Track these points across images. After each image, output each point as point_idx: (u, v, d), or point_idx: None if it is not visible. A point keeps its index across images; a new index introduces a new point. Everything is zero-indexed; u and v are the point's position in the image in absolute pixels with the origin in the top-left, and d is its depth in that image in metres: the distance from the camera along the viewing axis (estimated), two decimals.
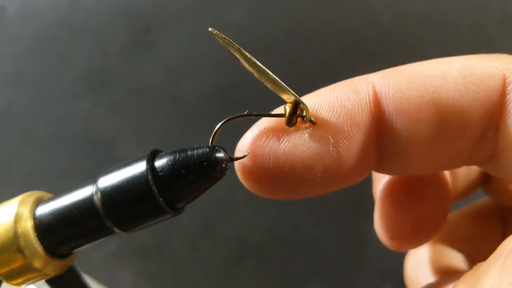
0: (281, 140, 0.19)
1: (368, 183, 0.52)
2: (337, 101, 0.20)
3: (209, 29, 0.19)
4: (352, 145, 0.19)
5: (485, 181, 0.28)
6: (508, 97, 0.19)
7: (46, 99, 0.62)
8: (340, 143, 0.19)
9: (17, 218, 0.20)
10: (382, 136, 0.20)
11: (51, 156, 0.59)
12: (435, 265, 0.27)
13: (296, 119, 0.20)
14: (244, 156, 0.20)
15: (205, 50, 0.61)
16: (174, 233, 0.52)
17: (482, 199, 0.29)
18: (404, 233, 0.26)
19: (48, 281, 0.23)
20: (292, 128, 0.20)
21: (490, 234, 0.27)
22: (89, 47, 0.64)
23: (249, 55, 0.19)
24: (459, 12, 0.58)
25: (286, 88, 0.20)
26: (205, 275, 0.51)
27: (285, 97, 0.21)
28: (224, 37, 0.19)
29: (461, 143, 0.20)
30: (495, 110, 0.19)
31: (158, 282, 0.51)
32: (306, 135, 0.19)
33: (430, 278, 0.26)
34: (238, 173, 0.20)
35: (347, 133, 0.19)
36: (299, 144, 0.19)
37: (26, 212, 0.21)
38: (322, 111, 0.20)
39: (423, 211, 0.25)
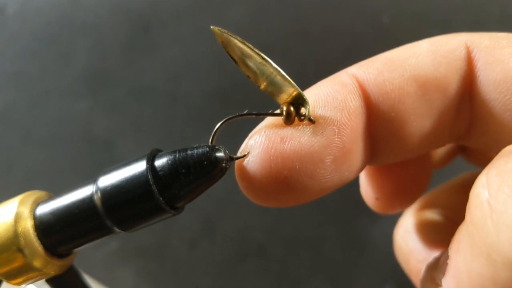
0: (285, 141, 0.19)
1: None
2: (329, 95, 0.20)
3: (211, 27, 0.19)
4: (353, 132, 0.20)
5: (463, 150, 0.29)
6: (475, 64, 0.21)
7: (46, 99, 0.62)
8: (342, 131, 0.20)
9: (17, 218, 0.20)
10: (373, 122, 0.21)
11: (51, 156, 0.59)
12: (421, 230, 0.28)
13: (294, 118, 0.20)
14: (244, 156, 0.20)
15: (205, 50, 0.61)
16: (174, 233, 0.52)
17: (465, 173, 0.30)
18: (389, 194, 0.27)
19: (48, 281, 0.23)
20: (292, 128, 0.20)
21: None
22: (89, 47, 0.64)
23: (251, 47, 0.20)
24: (459, 12, 0.58)
25: (289, 80, 0.20)
26: (205, 275, 0.51)
27: (283, 97, 0.21)
28: (227, 32, 0.19)
29: (444, 116, 0.21)
30: (466, 78, 0.21)
31: (158, 282, 0.51)
32: (308, 131, 0.20)
33: (418, 243, 0.27)
34: (246, 189, 0.20)
35: (346, 121, 0.20)
36: (304, 140, 0.19)
37: (26, 211, 0.21)
38: (317, 107, 0.20)
39: (406, 173, 0.26)
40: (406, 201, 0.28)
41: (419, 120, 0.21)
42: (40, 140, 0.60)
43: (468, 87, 0.21)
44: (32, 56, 0.65)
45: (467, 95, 0.21)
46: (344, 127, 0.20)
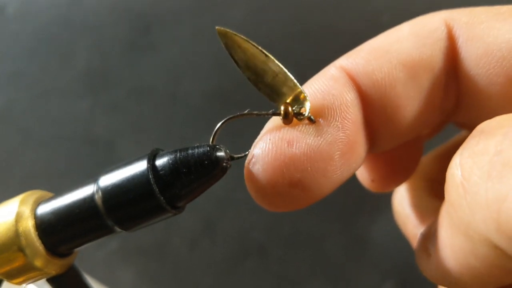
0: (292, 144, 0.19)
1: None
2: (324, 91, 0.20)
3: (216, 27, 0.20)
4: (354, 125, 0.20)
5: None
6: (456, 41, 0.21)
7: (46, 99, 0.62)
8: (345, 126, 0.20)
9: (18, 217, 0.20)
10: (368, 111, 0.21)
11: (51, 156, 0.59)
12: (414, 197, 0.28)
13: (292, 117, 0.20)
14: (245, 155, 0.20)
15: (205, 50, 0.61)
16: (174, 233, 0.52)
17: (452, 139, 0.30)
18: (383, 175, 0.27)
19: (49, 280, 0.23)
20: (296, 130, 0.20)
21: None
22: (89, 47, 0.64)
23: (255, 44, 0.20)
24: None
25: (291, 79, 0.20)
26: (205, 275, 0.51)
27: (283, 98, 0.21)
28: (230, 31, 0.20)
29: (434, 95, 0.22)
30: (450, 56, 0.21)
31: (158, 282, 0.51)
32: (312, 130, 0.20)
33: (413, 209, 0.28)
34: (262, 198, 0.20)
35: (346, 115, 0.20)
36: (311, 140, 0.19)
37: (27, 211, 0.21)
38: (315, 105, 0.20)
39: (399, 153, 0.27)
40: (400, 179, 0.28)
41: (411, 103, 0.21)
42: (40, 140, 0.60)
43: (453, 64, 0.22)
44: (32, 56, 0.65)
45: (452, 73, 0.22)
46: (346, 121, 0.20)
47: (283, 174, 0.19)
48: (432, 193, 0.28)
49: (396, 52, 0.21)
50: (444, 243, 0.18)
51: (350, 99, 0.20)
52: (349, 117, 0.20)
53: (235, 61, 0.20)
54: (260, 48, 0.20)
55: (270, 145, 0.19)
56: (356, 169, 0.21)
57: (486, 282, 0.18)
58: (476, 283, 0.19)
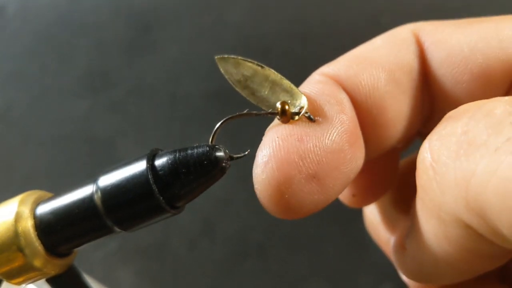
0: (303, 139, 0.19)
1: None
2: (317, 93, 0.21)
3: (216, 57, 0.21)
4: (353, 120, 0.21)
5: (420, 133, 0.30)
6: (423, 46, 0.23)
7: (46, 99, 0.62)
8: (346, 120, 0.20)
9: (18, 217, 0.20)
10: (356, 114, 0.22)
11: (51, 156, 0.59)
12: (384, 206, 0.29)
13: (289, 116, 0.20)
14: (245, 155, 0.20)
15: (205, 50, 0.61)
16: (174, 233, 0.52)
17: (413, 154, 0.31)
18: (364, 187, 0.28)
19: (48, 280, 0.23)
20: (300, 126, 0.20)
21: None
22: (89, 47, 0.64)
23: (250, 60, 0.20)
24: (459, 12, 0.58)
25: (287, 82, 0.20)
26: (205, 275, 0.51)
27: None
28: (227, 56, 0.20)
29: (415, 98, 0.23)
30: (421, 61, 0.23)
31: (158, 282, 0.51)
32: (317, 126, 0.20)
33: (384, 217, 0.29)
34: (276, 202, 0.19)
35: (344, 109, 0.21)
36: (321, 133, 0.19)
37: (26, 211, 0.21)
38: (312, 104, 0.21)
39: (378, 164, 0.27)
40: (380, 192, 0.29)
41: (395, 104, 0.22)
42: (40, 140, 0.60)
43: (424, 68, 0.23)
44: (32, 56, 0.65)
45: (424, 77, 0.23)
46: (346, 116, 0.20)
47: (299, 168, 0.19)
48: (397, 205, 0.29)
49: (375, 57, 0.22)
50: (418, 232, 0.19)
51: (343, 97, 0.21)
52: (347, 111, 0.20)
53: (235, 87, 0.21)
54: (256, 63, 0.20)
55: (281, 142, 0.19)
56: (360, 167, 0.21)
57: (461, 271, 0.19)
58: (451, 273, 0.19)
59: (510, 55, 0.21)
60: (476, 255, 0.17)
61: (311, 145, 0.19)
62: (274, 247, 0.51)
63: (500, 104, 0.15)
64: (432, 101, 0.23)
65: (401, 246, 0.23)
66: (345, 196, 0.29)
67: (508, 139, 0.13)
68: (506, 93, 0.22)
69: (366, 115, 0.22)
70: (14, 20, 0.67)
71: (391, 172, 0.29)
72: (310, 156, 0.19)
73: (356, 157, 0.20)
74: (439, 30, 0.23)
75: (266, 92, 0.21)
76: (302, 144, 0.19)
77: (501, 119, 0.14)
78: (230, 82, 0.21)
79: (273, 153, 0.19)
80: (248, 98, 0.21)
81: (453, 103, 0.22)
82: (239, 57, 0.21)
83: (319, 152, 0.19)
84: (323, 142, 0.19)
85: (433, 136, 0.17)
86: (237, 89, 0.21)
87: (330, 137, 0.19)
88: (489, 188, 0.13)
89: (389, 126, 0.23)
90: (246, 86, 0.21)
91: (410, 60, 0.22)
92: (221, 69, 0.21)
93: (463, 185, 0.14)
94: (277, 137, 0.19)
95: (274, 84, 0.21)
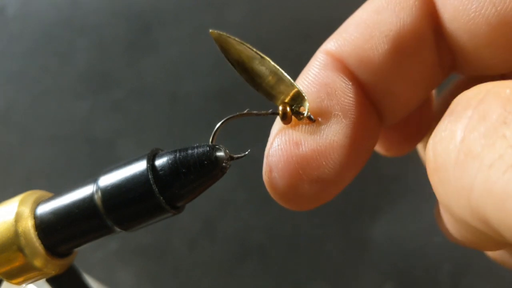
0: (300, 144, 0.19)
1: (368, 183, 0.52)
2: (318, 83, 0.21)
3: (210, 31, 0.20)
4: (355, 107, 0.20)
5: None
6: (434, 1, 0.21)
7: (46, 99, 0.62)
8: (347, 114, 0.20)
9: (18, 217, 0.20)
10: (365, 87, 0.21)
11: (51, 156, 0.59)
12: None
13: (291, 117, 0.20)
14: (245, 155, 0.20)
15: (205, 50, 0.61)
16: (174, 233, 0.52)
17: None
18: (399, 140, 0.28)
19: (49, 280, 0.23)
20: (298, 130, 0.20)
21: None
22: (89, 47, 0.64)
23: (250, 46, 0.20)
24: None
25: (288, 79, 0.20)
26: (205, 275, 0.51)
27: (282, 98, 0.21)
28: (225, 34, 0.20)
29: (426, 60, 0.22)
30: (430, 13, 0.21)
31: (158, 282, 0.51)
32: (315, 127, 0.20)
33: None
34: (287, 203, 0.20)
35: (344, 100, 0.20)
36: (318, 136, 0.19)
37: (26, 211, 0.21)
38: (311, 98, 0.20)
39: (409, 119, 0.27)
40: (417, 140, 0.29)
41: (406, 72, 0.21)
42: (40, 140, 0.60)
43: (436, 23, 0.21)
44: (32, 56, 0.65)
45: (439, 32, 0.22)
46: (346, 109, 0.20)
47: (300, 176, 0.19)
48: None
49: (378, 24, 0.21)
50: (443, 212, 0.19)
51: (344, 84, 0.21)
52: (347, 101, 0.20)
53: (231, 64, 0.20)
54: (255, 49, 0.20)
55: (280, 151, 0.20)
56: (373, 147, 0.22)
57: (489, 246, 0.19)
58: (481, 244, 0.19)
59: None
60: (496, 242, 0.17)
61: (309, 150, 0.19)
62: (274, 247, 0.51)
63: (498, 106, 0.15)
64: (453, 51, 0.22)
65: (438, 213, 0.22)
66: (380, 151, 0.29)
67: (500, 156, 0.13)
68: None
69: (375, 88, 0.21)
70: (14, 20, 0.67)
71: (426, 117, 0.28)
72: (310, 162, 0.19)
73: (363, 145, 0.20)
74: None
75: (266, 81, 0.21)
76: (299, 150, 0.19)
77: (496, 126, 0.14)
78: (228, 61, 0.21)
79: (274, 163, 0.19)
80: (247, 82, 0.21)
81: (476, 55, 0.21)
82: (239, 40, 0.20)
83: (317, 157, 0.19)
84: (323, 144, 0.19)
85: (436, 136, 0.17)
86: (235, 70, 0.21)
87: (330, 138, 0.19)
88: (489, 205, 0.13)
89: (404, 93, 0.22)
90: (245, 70, 0.21)
91: (416, 18, 0.21)
92: (218, 47, 0.20)
93: (465, 195, 0.14)
94: (278, 145, 0.20)
95: (274, 76, 0.20)
